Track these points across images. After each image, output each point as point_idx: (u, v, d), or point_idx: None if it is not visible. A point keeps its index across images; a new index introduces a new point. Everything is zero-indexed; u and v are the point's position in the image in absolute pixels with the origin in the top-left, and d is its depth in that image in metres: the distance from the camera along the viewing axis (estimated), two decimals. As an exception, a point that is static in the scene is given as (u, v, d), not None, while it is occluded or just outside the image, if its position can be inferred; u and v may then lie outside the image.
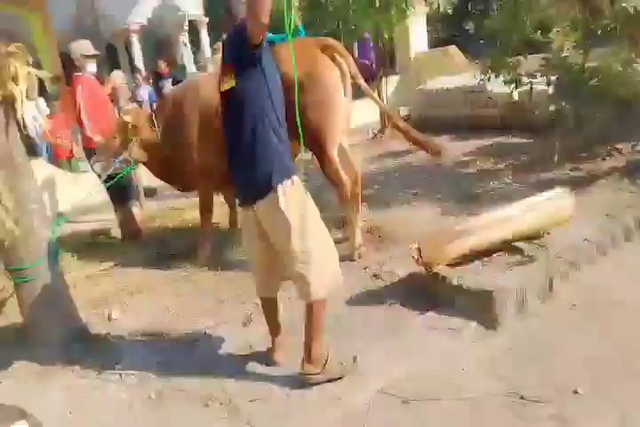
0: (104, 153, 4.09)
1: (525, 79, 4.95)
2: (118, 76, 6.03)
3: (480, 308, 2.70)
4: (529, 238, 3.16)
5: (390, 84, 8.79)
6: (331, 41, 3.52)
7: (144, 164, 4.16)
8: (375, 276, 3.42)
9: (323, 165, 3.54)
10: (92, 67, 4.59)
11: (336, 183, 3.57)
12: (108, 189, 4.29)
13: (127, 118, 3.92)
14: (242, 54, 2.17)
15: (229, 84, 2.23)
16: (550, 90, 4.87)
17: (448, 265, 3.00)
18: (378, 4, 6.51)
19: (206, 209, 4.00)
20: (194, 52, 12.01)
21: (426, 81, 7.97)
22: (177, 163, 3.88)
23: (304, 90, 3.04)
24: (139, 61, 10.44)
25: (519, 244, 3.10)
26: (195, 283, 3.64)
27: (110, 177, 3.96)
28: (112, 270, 4.07)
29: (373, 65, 8.92)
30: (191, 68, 11.21)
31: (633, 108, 4.57)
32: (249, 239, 2.46)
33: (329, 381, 2.38)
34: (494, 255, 3.09)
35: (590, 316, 2.70)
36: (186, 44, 11.71)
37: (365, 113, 8.07)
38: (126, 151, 3.94)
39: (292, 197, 2.24)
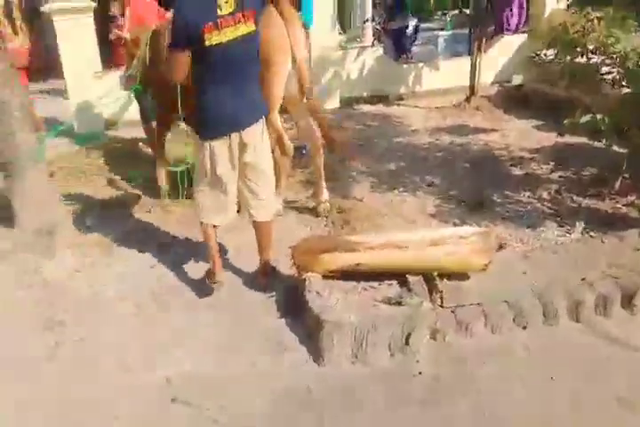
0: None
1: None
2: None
3: (315, 334, 2.42)
4: (438, 275, 2.65)
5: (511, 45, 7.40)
6: None
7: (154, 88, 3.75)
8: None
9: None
10: None
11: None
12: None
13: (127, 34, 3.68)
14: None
15: (250, 28, 2.41)
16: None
17: (330, 276, 2.66)
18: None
19: None
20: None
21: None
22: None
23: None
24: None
25: (412, 277, 2.62)
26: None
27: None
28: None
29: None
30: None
31: None
32: (224, 168, 2.56)
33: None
34: (386, 282, 2.65)
35: (425, 398, 2.18)
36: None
37: (456, 76, 7.00)
38: (132, 68, 3.72)
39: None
